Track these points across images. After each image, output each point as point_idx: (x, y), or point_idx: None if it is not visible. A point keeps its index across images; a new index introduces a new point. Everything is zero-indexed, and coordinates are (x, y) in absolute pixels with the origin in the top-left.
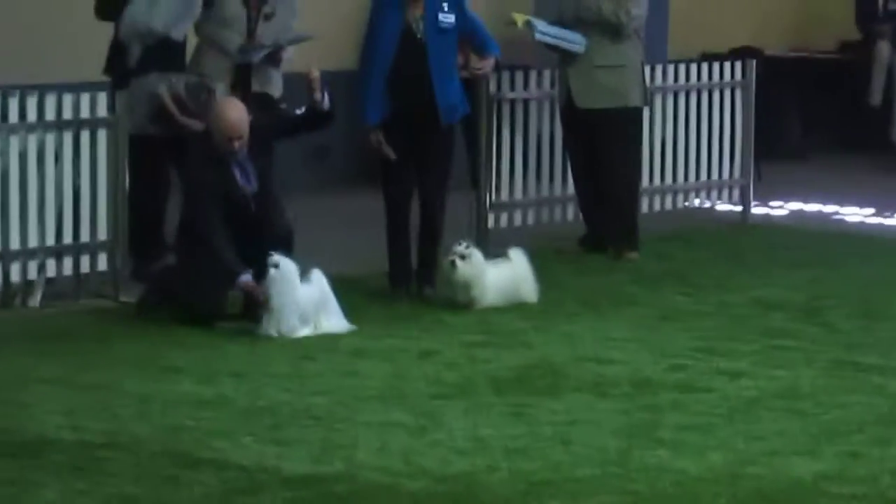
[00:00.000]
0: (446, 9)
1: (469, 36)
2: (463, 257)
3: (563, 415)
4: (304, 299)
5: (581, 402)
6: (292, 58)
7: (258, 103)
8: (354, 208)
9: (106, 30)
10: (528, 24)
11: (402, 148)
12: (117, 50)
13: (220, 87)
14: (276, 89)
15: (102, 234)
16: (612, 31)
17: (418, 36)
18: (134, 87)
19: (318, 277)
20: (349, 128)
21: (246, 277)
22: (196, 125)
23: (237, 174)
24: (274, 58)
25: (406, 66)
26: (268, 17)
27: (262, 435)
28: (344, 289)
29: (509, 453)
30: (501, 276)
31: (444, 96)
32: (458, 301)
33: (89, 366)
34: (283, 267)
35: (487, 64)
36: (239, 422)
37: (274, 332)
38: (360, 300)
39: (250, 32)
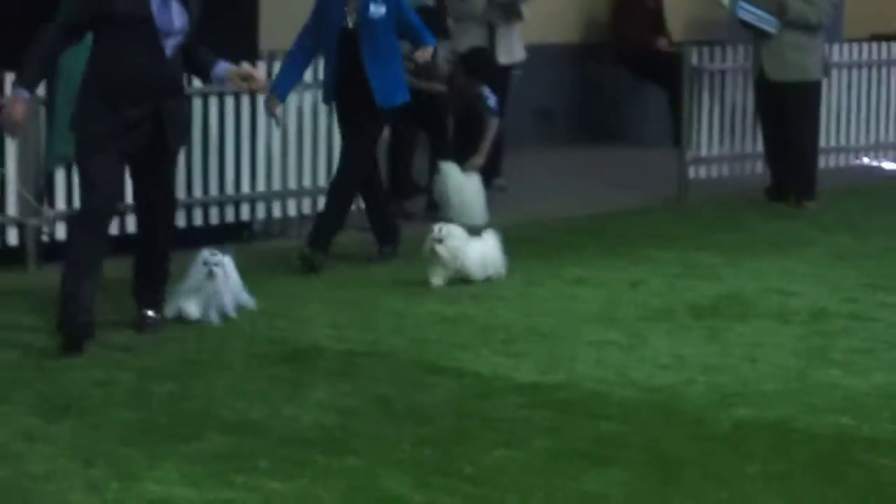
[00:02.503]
0: (379, 1)
1: (404, 30)
2: (440, 241)
3: (750, 338)
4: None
5: (766, 327)
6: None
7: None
8: (573, 161)
9: None
10: (732, 4)
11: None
12: None
13: (442, 48)
14: (518, 54)
15: None
16: (805, 25)
17: (350, 27)
18: None
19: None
20: (571, 91)
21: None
22: (436, 86)
23: None
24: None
25: (344, 54)
26: None
27: (497, 348)
28: (564, 228)
29: (705, 369)
30: (477, 252)
31: (377, 79)
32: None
33: (352, 286)
34: (227, 263)
35: (426, 52)
36: (477, 336)
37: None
38: (577, 238)
39: None
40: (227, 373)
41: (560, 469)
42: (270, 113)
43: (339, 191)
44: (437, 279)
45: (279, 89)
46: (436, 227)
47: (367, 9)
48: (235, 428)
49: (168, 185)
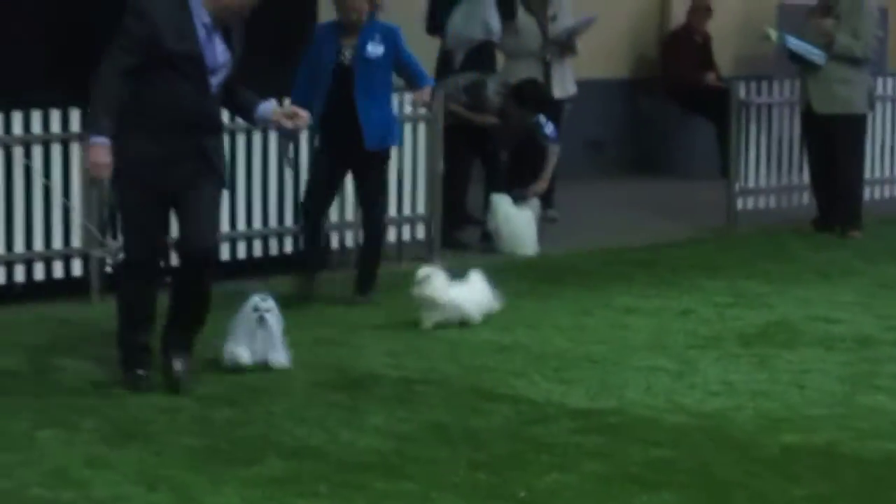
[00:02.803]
0: (377, 40)
1: (402, 70)
2: (417, 283)
3: (798, 364)
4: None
5: (813, 354)
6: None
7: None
8: (624, 193)
9: (435, 42)
10: (780, 37)
11: (331, 168)
12: (445, 57)
13: (492, 81)
14: (570, 88)
15: (421, 209)
16: (851, 57)
17: (346, 63)
18: (447, 84)
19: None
20: (621, 124)
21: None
22: (489, 119)
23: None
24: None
25: (336, 91)
26: (553, 20)
27: (550, 375)
28: (615, 258)
29: (753, 395)
30: (462, 296)
31: (368, 121)
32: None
33: (408, 315)
34: (275, 309)
35: (424, 94)
36: (530, 364)
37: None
38: (628, 268)
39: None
40: (287, 399)
41: (611, 493)
42: (283, 152)
43: (372, 238)
44: (427, 321)
45: (285, 132)
46: (420, 271)
47: (365, 47)
48: (295, 453)
49: (213, 223)
